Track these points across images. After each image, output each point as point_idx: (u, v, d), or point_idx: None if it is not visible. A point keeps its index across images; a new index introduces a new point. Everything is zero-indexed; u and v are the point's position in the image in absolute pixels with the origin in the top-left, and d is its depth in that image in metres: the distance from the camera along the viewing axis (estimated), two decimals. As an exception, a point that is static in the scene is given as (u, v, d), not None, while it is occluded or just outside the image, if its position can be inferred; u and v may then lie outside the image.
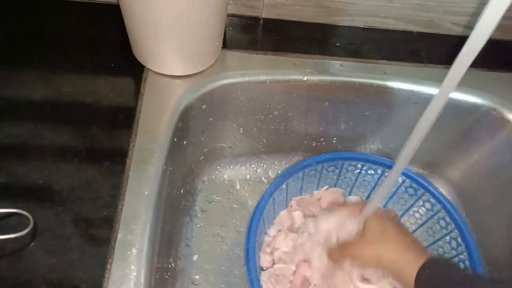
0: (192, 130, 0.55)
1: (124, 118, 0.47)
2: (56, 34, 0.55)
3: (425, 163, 0.68)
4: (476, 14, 0.61)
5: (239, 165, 0.67)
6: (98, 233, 0.39)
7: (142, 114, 0.48)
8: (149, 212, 0.41)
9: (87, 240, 0.38)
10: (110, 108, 0.48)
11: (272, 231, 0.61)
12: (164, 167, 0.45)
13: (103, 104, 0.48)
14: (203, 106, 0.54)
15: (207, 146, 0.61)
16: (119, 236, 0.39)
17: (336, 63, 0.57)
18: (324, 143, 0.66)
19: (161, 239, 0.48)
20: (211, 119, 0.57)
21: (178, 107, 0.50)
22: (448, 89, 0.34)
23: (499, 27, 0.66)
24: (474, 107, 0.57)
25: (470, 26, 0.62)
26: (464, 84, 0.57)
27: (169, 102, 0.50)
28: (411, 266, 0.41)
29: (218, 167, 0.66)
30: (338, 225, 0.51)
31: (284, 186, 0.58)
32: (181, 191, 0.59)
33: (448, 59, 0.60)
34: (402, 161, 0.39)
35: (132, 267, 0.37)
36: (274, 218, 0.62)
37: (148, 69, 0.52)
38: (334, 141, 0.67)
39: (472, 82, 0.57)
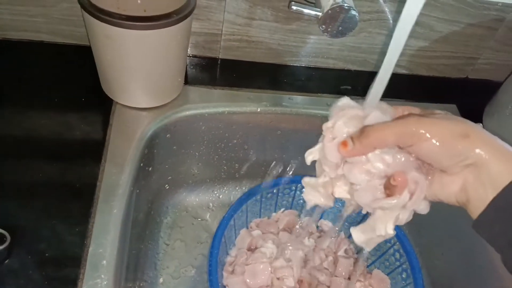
0: (157, 158, 0.60)
1: (94, 146, 0.52)
2: (30, 74, 0.60)
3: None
4: (403, 55, 0.72)
5: (202, 191, 0.72)
6: (71, 247, 0.42)
7: (110, 142, 0.53)
8: (117, 229, 0.45)
9: (60, 254, 0.42)
10: (81, 137, 0.53)
11: (233, 252, 0.65)
12: (132, 188, 0.50)
13: (74, 133, 0.53)
14: (167, 135, 0.59)
15: (171, 173, 0.66)
16: (90, 249, 0.43)
17: (285, 97, 0.65)
18: (280, 169, 0.73)
19: (128, 260, 0.52)
20: (174, 147, 0.63)
21: (144, 136, 0.55)
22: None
23: (423, 65, 0.77)
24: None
25: (398, 65, 0.73)
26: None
27: (136, 131, 0.55)
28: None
29: (183, 194, 0.70)
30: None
31: (244, 208, 0.63)
32: (147, 216, 0.63)
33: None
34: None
35: (103, 276, 0.41)
36: (235, 238, 0.66)
37: (116, 102, 0.57)
38: (289, 167, 0.73)
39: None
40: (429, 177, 0.34)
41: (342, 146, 0.34)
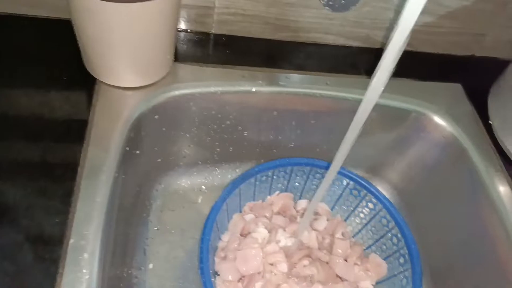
0: (145, 140, 0.57)
1: (76, 128, 0.49)
2: (7, 49, 0.56)
3: (368, 166, 0.73)
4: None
5: (193, 174, 0.69)
6: (51, 239, 0.40)
7: (94, 124, 0.50)
8: (101, 218, 0.43)
9: (39, 246, 0.39)
10: (63, 118, 0.50)
11: (225, 237, 0.63)
12: (116, 174, 0.47)
13: (55, 115, 0.50)
14: (156, 117, 0.56)
15: (161, 155, 0.63)
16: (71, 241, 0.40)
17: (282, 75, 0.62)
18: (275, 150, 0.70)
19: (114, 247, 0.49)
20: (164, 129, 0.59)
21: (130, 117, 0.52)
22: (373, 95, 0.38)
23: (427, 42, 0.73)
24: (406, 113, 0.63)
25: (402, 42, 0.69)
26: (396, 92, 0.63)
27: (121, 113, 0.52)
28: None
29: (173, 177, 0.67)
30: None
31: (237, 192, 0.61)
32: (136, 200, 0.60)
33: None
34: (337, 160, 0.44)
35: (84, 270, 0.39)
36: (228, 223, 0.64)
37: (100, 81, 0.54)
38: (285, 149, 0.70)
39: (404, 90, 0.64)
40: None
41: None
